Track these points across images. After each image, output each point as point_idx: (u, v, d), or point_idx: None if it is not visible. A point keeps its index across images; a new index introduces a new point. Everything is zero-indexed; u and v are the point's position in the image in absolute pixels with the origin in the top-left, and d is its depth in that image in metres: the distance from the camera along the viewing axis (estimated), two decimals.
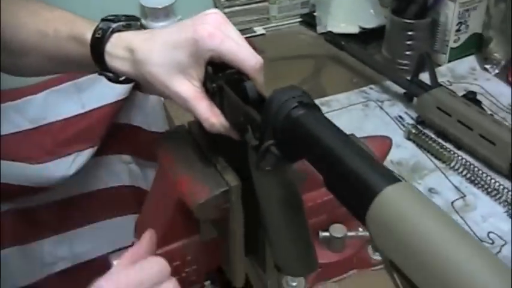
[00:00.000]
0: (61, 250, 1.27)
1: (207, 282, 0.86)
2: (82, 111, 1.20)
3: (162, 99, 1.14)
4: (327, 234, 0.75)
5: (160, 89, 0.59)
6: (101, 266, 1.37)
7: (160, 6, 1.25)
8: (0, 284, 0.84)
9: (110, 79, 0.65)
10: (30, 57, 0.69)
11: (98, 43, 0.62)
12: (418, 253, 0.33)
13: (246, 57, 0.56)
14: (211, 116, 0.57)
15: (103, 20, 0.64)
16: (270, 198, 0.54)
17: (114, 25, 0.63)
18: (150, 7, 1.26)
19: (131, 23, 0.65)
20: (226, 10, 1.30)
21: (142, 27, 0.66)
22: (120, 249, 1.37)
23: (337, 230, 0.75)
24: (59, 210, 1.25)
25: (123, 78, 0.65)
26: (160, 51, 0.58)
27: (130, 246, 1.33)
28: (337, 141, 0.43)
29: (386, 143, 0.77)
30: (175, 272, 0.67)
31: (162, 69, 0.58)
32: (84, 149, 1.19)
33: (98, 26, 0.63)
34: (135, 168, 1.34)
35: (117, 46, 0.61)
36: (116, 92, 1.20)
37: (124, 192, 1.37)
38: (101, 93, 1.20)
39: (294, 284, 0.74)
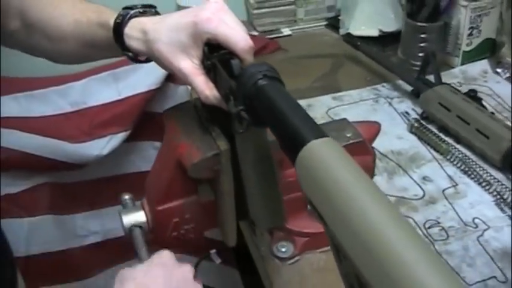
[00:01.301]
0: (93, 224, 1.38)
1: (213, 251, 0.95)
2: (118, 98, 1.30)
3: (189, 88, 1.24)
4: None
5: (167, 65, 0.70)
6: (128, 243, 1.48)
7: (195, 6, 1.34)
8: (11, 249, 0.94)
9: (130, 58, 0.77)
10: (69, 43, 0.81)
11: (118, 27, 0.73)
12: (332, 198, 0.41)
13: (238, 39, 0.66)
14: (206, 89, 0.67)
15: (124, 8, 0.75)
16: (246, 158, 0.63)
17: (131, 11, 0.74)
18: (186, 6, 1.36)
19: (147, 10, 0.76)
20: (256, 12, 1.40)
21: (157, 13, 0.77)
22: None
23: None
24: (93, 187, 1.36)
25: (141, 57, 0.76)
26: (166, 32, 0.69)
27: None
28: (284, 104, 0.51)
29: (374, 127, 0.84)
30: (174, 228, 0.77)
31: (167, 48, 0.69)
32: (117, 132, 1.30)
33: (119, 13, 0.74)
34: None
35: (133, 29, 0.72)
36: (149, 82, 1.31)
37: None
38: (136, 82, 1.31)
39: (284, 249, 0.82)
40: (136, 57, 0.77)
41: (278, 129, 0.50)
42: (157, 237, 0.77)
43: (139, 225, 0.76)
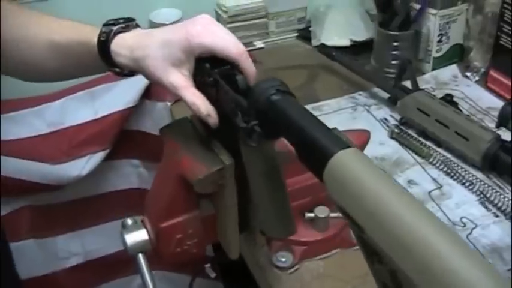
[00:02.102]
0: (74, 246, 1.37)
1: (208, 265, 0.96)
2: (95, 117, 1.30)
3: (169, 104, 1.25)
4: (311, 214, 0.84)
5: (156, 80, 0.71)
6: (110, 263, 1.47)
7: (167, 22, 1.36)
8: (17, 272, 0.93)
9: (117, 73, 0.78)
10: (46, 64, 0.80)
11: (104, 45, 0.73)
12: (365, 203, 0.43)
13: (231, 47, 0.68)
14: (197, 100, 0.68)
15: (104, 24, 0.75)
16: (255, 171, 0.64)
17: (114, 28, 0.74)
18: (159, 23, 1.37)
19: (129, 24, 0.76)
20: (229, 26, 1.41)
21: (138, 26, 0.78)
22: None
23: (321, 211, 0.84)
24: (73, 208, 1.35)
25: (127, 72, 0.77)
26: (157, 48, 0.70)
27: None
28: (303, 118, 0.53)
29: (364, 135, 0.86)
30: (178, 244, 0.77)
31: (158, 63, 0.70)
32: (96, 152, 1.29)
33: (101, 31, 0.74)
34: (144, 171, 1.44)
35: (119, 46, 0.73)
36: (126, 100, 1.31)
37: (133, 195, 1.46)
38: (112, 101, 1.31)
39: (283, 259, 0.84)
40: (123, 73, 0.78)
41: (298, 142, 0.52)
42: (161, 255, 0.77)
43: (142, 250, 0.76)
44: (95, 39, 0.74)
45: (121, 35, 0.74)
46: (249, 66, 0.67)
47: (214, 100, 0.70)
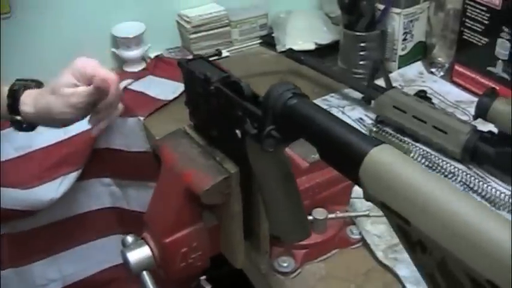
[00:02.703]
0: (51, 272, 1.33)
1: (203, 277, 0.95)
2: (64, 137, 1.27)
3: (142, 119, 1.23)
4: (310, 217, 0.84)
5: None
6: (89, 286, 1.44)
7: (131, 36, 1.34)
8: None
9: (17, 127, 0.92)
10: None
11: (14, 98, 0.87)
12: (410, 195, 0.43)
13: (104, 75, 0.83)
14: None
15: (17, 80, 0.90)
16: (269, 176, 0.64)
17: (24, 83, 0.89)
18: (122, 37, 1.35)
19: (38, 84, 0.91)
20: (192, 36, 1.41)
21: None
22: (105, 270, 1.45)
23: (319, 213, 0.85)
24: (48, 233, 1.31)
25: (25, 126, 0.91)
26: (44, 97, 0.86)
27: (117, 265, 1.41)
28: (327, 119, 0.53)
29: None
30: (183, 258, 0.76)
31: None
32: (69, 172, 1.26)
33: (13, 84, 0.88)
34: (116, 190, 1.42)
35: (26, 100, 0.87)
36: None
37: (106, 214, 1.43)
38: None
39: (285, 264, 0.84)
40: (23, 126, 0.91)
41: (324, 143, 0.52)
42: (166, 271, 0.76)
43: (147, 268, 0.75)
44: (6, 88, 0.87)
45: (28, 90, 0.88)
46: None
47: (215, 110, 0.70)
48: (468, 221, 0.40)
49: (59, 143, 1.27)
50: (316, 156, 0.84)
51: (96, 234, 1.43)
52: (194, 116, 0.78)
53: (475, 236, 0.39)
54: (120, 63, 1.41)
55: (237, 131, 0.69)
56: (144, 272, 0.75)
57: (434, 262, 0.45)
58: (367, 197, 0.47)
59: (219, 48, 1.42)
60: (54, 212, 1.32)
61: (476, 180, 0.98)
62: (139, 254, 0.75)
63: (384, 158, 0.46)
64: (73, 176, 1.27)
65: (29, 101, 0.87)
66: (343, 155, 0.49)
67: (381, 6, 1.27)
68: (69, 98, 0.84)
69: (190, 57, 1.39)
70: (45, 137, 1.27)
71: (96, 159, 1.34)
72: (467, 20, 1.19)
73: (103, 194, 1.42)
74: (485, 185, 0.96)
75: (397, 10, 1.26)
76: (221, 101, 0.67)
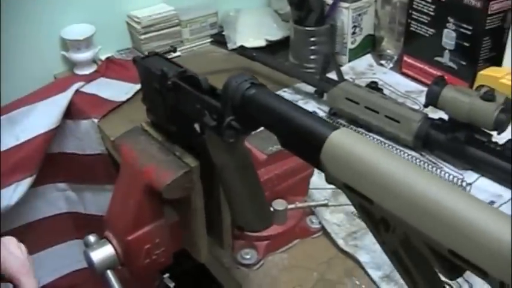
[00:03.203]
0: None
1: (166, 275, 0.95)
2: (17, 142, 1.24)
3: (96, 121, 1.22)
4: (270, 209, 0.85)
5: None
6: None
7: (81, 38, 1.32)
8: None
9: None
10: None
11: None
12: (371, 175, 0.45)
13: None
14: None
15: None
16: (229, 168, 0.64)
17: None
18: (72, 39, 1.33)
19: None
20: (143, 37, 1.40)
21: None
22: (65, 276, 1.42)
23: (279, 204, 0.85)
24: None
25: None
26: None
27: (76, 271, 1.38)
28: (286, 107, 0.54)
29: None
30: (146, 255, 0.75)
31: None
32: (23, 179, 1.24)
33: None
34: (72, 194, 1.40)
35: None
36: (47, 122, 1.26)
37: (63, 220, 1.41)
38: (33, 124, 1.26)
39: (248, 256, 0.84)
40: None
41: (284, 131, 0.53)
42: (130, 268, 0.75)
43: (110, 266, 0.74)
44: None
45: None
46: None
47: (172, 105, 0.70)
48: (426, 193, 0.41)
49: (11, 149, 1.25)
50: (274, 148, 0.86)
51: (53, 241, 1.41)
52: (151, 113, 0.77)
53: (434, 208, 0.41)
54: (71, 66, 1.40)
55: (196, 125, 0.69)
56: (108, 271, 0.74)
57: (397, 239, 0.46)
58: (330, 179, 0.49)
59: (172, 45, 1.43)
60: (10, 219, 1.29)
61: (430, 166, 1.00)
62: (103, 253, 0.74)
63: (343, 140, 0.48)
64: (27, 182, 1.25)
65: None
66: (304, 141, 0.50)
67: (330, 1, 1.29)
68: None
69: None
70: None
71: (50, 164, 1.32)
72: (413, 12, 1.22)
73: (59, 199, 1.40)
74: (438, 170, 0.99)
75: (346, 4, 1.28)
76: (179, 96, 0.68)
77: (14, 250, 0.75)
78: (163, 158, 0.72)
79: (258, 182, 0.65)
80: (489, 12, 1.10)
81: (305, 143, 0.50)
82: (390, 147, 1.06)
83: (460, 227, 0.39)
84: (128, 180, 0.75)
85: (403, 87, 1.26)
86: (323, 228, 0.89)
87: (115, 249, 0.75)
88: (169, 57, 0.81)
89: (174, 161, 0.71)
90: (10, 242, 0.77)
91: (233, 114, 0.58)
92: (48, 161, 1.32)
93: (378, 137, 1.09)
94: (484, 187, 0.97)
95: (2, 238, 0.75)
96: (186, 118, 0.69)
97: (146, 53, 1.39)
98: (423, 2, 1.19)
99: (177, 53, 1.44)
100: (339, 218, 0.90)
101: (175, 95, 0.68)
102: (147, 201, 0.72)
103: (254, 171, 0.65)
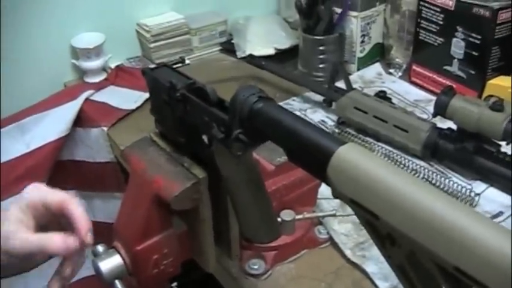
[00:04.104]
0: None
1: (174, 284, 0.95)
2: (27, 150, 1.25)
3: (105, 129, 1.23)
4: (278, 219, 0.85)
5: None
6: None
7: (91, 46, 1.33)
8: None
9: None
10: None
11: None
12: (378, 191, 0.45)
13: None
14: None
15: None
16: (237, 180, 0.65)
17: None
18: (82, 48, 1.34)
19: None
20: (153, 45, 1.41)
21: None
22: (74, 283, 1.43)
23: (287, 215, 0.86)
24: None
25: None
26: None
27: (84, 278, 1.39)
28: (293, 121, 0.55)
29: None
30: (154, 265, 0.76)
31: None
32: None
33: None
34: (81, 201, 1.41)
35: None
36: (57, 130, 1.27)
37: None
38: (44, 132, 1.27)
39: (256, 266, 0.85)
40: None
41: (291, 145, 0.53)
42: (138, 278, 0.76)
43: (119, 276, 0.75)
44: None
45: None
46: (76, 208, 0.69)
47: (181, 116, 0.70)
48: (433, 211, 0.41)
49: (23, 155, 1.26)
50: (282, 159, 0.86)
51: None
52: (160, 124, 0.78)
53: (440, 225, 0.41)
54: (81, 74, 1.41)
55: (204, 137, 0.70)
56: (117, 281, 0.75)
57: (403, 254, 0.46)
58: (336, 194, 0.49)
59: (181, 56, 1.43)
60: None
61: (438, 176, 1.00)
62: (111, 263, 0.75)
63: (350, 155, 0.48)
64: None
65: None
66: (311, 155, 0.51)
67: (338, 10, 1.29)
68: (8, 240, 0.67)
69: (153, 66, 1.41)
70: (8, 150, 1.26)
71: (60, 172, 1.33)
72: (422, 21, 1.22)
73: None
74: (446, 180, 0.99)
75: (354, 13, 1.29)
76: (187, 108, 0.68)
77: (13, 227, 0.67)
78: (171, 169, 0.72)
79: (266, 194, 0.66)
80: (498, 22, 1.10)
81: (312, 157, 0.51)
82: (399, 156, 1.06)
83: (465, 244, 0.39)
84: (136, 191, 0.75)
85: (412, 96, 1.26)
86: (331, 239, 0.89)
87: (123, 259, 0.75)
88: (180, 66, 0.82)
89: (182, 172, 0.72)
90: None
91: (241, 127, 0.59)
92: (58, 169, 1.33)
93: (387, 147, 1.08)
94: (492, 197, 0.96)
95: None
96: (195, 130, 0.69)
97: (156, 62, 1.41)
98: (432, 11, 1.19)
99: (187, 61, 1.45)
100: (346, 228, 0.91)
101: (184, 106, 0.69)
102: (155, 212, 0.73)
103: (262, 183, 0.65)
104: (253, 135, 0.58)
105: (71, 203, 0.70)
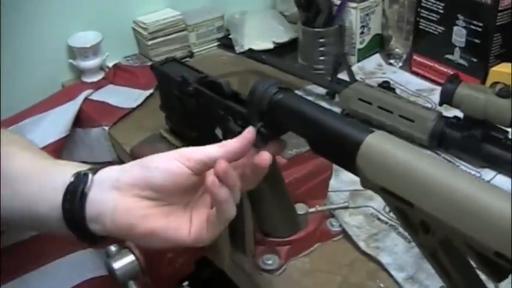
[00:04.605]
0: None
1: (185, 283, 0.94)
2: None
3: (106, 128, 1.21)
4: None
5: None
6: None
7: (88, 45, 1.32)
8: None
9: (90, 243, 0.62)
10: None
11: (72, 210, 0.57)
12: (411, 178, 0.44)
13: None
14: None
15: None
16: None
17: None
18: (79, 47, 1.32)
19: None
20: (150, 42, 1.40)
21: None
22: (78, 285, 1.41)
23: (300, 208, 0.84)
24: (13, 254, 1.27)
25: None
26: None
27: (88, 280, 1.37)
28: (316, 111, 0.54)
29: None
30: (169, 264, 0.75)
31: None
32: None
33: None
34: None
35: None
36: (57, 131, 1.25)
37: None
38: (42, 134, 1.25)
39: (270, 262, 0.83)
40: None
41: (316, 135, 0.52)
42: (153, 277, 0.75)
43: (132, 276, 0.73)
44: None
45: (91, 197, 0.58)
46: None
47: (194, 111, 0.69)
48: (470, 195, 0.41)
49: None
50: (293, 151, 0.85)
51: (63, 251, 1.40)
52: (170, 120, 0.77)
53: (478, 210, 0.40)
54: (78, 73, 1.39)
55: (218, 131, 0.68)
56: (131, 281, 0.74)
57: (437, 241, 0.45)
58: (366, 183, 0.48)
59: (176, 54, 1.42)
60: (22, 230, 1.28)
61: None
62: (125, 262, 0.74)
63: (380, 144, 0.47)
64: None
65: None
66: (337, 146, 0.50)
67: (338, 2, 1.28)
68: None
69: (149, 63, 1.39)
70: None
71: None
72: (422, 11, 1.21)
73: None
74: None
75: (353, 4, 1.28)
76: (200, 102, 0.67)
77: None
78: None
79: (284, 187, 0.65)
80: (499, 8, 1.10)
81: (338, 147, 0.50)
82: None
83: (506, 229, 0.38)
84: None
85: (414, 86, 1.25)
86: (343, 231, 0.88)
87: (137, 259, 0.74)
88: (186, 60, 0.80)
89: None
90: None
91: (260, 119, 0.58)
92: None
93: None
94: (501, 185, 0.96)
95: None
96: (207, 124, 0.68)
97: (153, 60, 1.40)
98: (432, 0, 1.18)
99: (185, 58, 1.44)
100: (358, 220, 0.90)
101: (197, 101, 0.68)
102: None
103: (280, 176, 0.64)
104: (274, 128, 0.58)
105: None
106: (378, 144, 0.47)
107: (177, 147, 0.75)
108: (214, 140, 0.69)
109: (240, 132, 0.61)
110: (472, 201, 0.40)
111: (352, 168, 0.49)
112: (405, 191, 0.44)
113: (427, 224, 0.45)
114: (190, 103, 0.68)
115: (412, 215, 0.46)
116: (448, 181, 0.42)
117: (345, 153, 0.49)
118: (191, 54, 0.87)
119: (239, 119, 0.61)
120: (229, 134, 0.64)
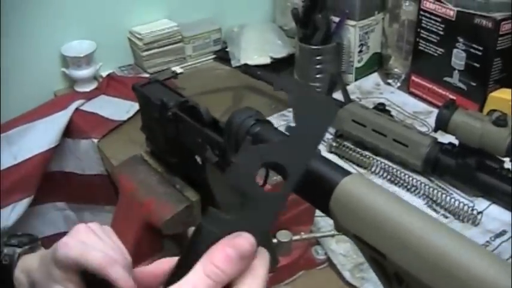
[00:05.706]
0: None
1: None
2: (14, 162, 1.22)
3: (95, 141, 1.19)
4: (274, 240, 0.82)
5: None
6: None
7: (82, 55, 1.30)
8: None
9: None
10: None
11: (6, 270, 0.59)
12: (385, 228, 0.41)
13: (96, 257, 0.53)
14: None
15: (7, 244, 0.61)
16: None
17: (19, 250, 0.61)
18: (72, 56, 1.30)
19: (33, 244, 0.63)
20: (145, 53, 1.37)
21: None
22: None
23: (284, 235, 0.82)
24: None
25: None
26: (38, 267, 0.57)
27: None
28: None
29: None
30: None
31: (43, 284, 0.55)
32: (21, 199, 1.21)
33: (2, 252, 0.60)
34: (71, 214, 1.37)
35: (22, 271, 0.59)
36: (46, 141, 1.24)
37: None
38: (31, 143, 1.23)
39: None
40: None
41: None
42: None
43: None
44: None
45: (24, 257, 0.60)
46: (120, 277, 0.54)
47: (174, 136, 0.67)
48: (446, 251, 0.38)
49: (9, 168, 1.22)
50: (278, 178, 0.82)
51: None
52: (151, 142, 0.75)
53: (455, 269, 0.37)
54: (71, 83, 1.37)
55: (197, 158, 0.66)
56: None
57: None
58: (339, 229, 0.45)
59: (171, 66, 1.40)
60: None
61: (439, 193, 0.97)
62: None
63: (355, 188, 0.44)
64: (25, 202, 1.22)
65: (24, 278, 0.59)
66: (312, 185, 0.47)
67: (336, 19, 1.26)
68: None
69: (144, 75, 1.37)
70: None
71: (49, 183, 1.30)
72: (422, 31, 1.19)
73: (58, 218, 1.37)
74: (447, 198, 0.96)
75: (352, 22, 1.25)
76: (179, 127, 0.65)
77: (86, 239, 0.56)
78: (163, 191, 0.69)
79: None
80: (500, 33, 1.07)
81: (314, 188, 0.47)
82: (398, 172, 1.02)
83: None
84: (126, 214, 0.72)
85: (411, 108, 1.23)
86: (329, 259, 0.86)
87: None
88: (171, 76, 0.78)
89: (174, 194, 0.68)
90: (79, 230, 0.58)
91: (237, 151, 0.55)
92: (48, 180, 1.29)
93: (386, 161, 1.05)
94: (495, 215, 0.93)
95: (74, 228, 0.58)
96: (187, 150, 0.66)
97: (148, 71, 1.37)
98: (432, 21, 1.16)
99: (180, 70, 1.41)
100: (345, 248, 0.87)
101: (176, 126, 0.65)
102: (145, 236, 0.70)
103: None
104: None
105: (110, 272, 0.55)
106: (352, 188, 0.44)
107: (157, 171, 0.73)
108: (194, 166, 0.67)
109: (217, 163, 0.59)
110: (446, 257, 0.38)
111: (326, 210, 0.46)
112: (378, 241, 0.42)
113: (401, 277, 0.42)
114: (169, 128, 0.66)
115: (386, 266, 0.43)
116: (424, 234, 0.39)
117: (319, 194, 0.46)
118: (176, 75, 0.85)
119: (216, 149, 0.58)
120: (207, 163, 0.62)
